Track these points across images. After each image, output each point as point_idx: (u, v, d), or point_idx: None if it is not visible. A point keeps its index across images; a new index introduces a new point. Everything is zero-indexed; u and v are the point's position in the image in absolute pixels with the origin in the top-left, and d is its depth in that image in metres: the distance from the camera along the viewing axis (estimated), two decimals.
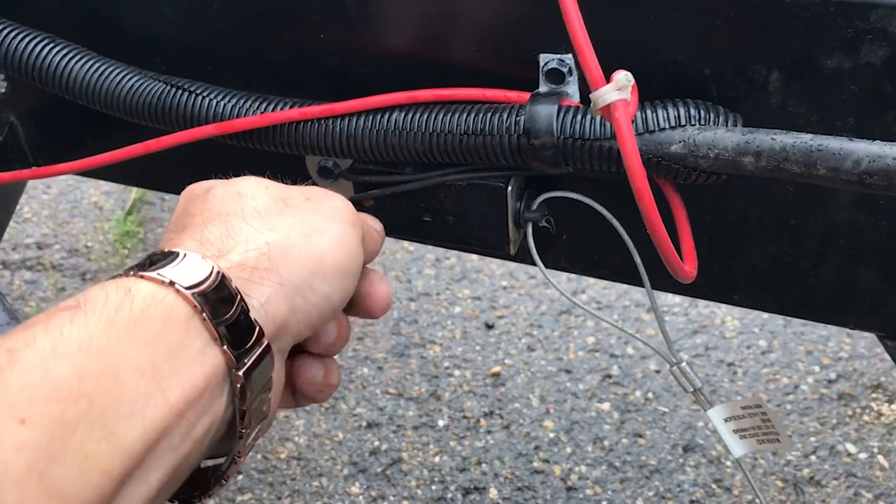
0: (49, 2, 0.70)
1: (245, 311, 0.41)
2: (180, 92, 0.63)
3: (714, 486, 1.31)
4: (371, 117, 0.59)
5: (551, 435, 1.40)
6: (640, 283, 0.61)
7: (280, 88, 0.65)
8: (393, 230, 0.67)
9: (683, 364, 0.60)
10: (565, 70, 0.56)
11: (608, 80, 0.44)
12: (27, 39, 0.66)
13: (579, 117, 0.54)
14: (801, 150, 0.47)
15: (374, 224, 0.55)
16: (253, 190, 0.49)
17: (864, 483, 1.30)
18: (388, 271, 1.71)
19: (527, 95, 0.56)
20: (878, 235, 0.58)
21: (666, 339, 0.60)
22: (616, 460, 1.36)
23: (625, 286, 1.65)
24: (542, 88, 0.57)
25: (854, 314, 0.62)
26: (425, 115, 0.58)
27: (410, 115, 0.58)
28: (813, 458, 1.35)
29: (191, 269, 0.41)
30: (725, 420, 0.60)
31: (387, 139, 0.59)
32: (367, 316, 0.54)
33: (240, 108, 0.62)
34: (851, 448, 1.36)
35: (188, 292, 0.40)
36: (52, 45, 0.66)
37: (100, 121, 0.73)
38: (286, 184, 0.52)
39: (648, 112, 0.52)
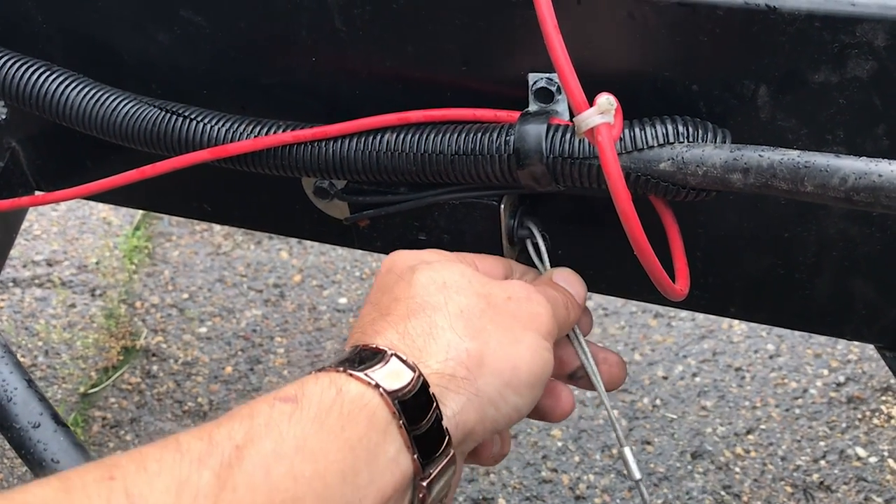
0: (47, 30, 0.71)
1: (438, 419, 0.43)
2: (175, 117, 0.64)
3: (723, 492, 1.31)
4: (363, 139, 0.60)
5: (559, 444, 1.40)
6: (637, 297, 0.61)
7: (274, 111, 0.65)
8: (388, 248, 0.68)
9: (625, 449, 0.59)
10: (553, 89, 0.56)
11: (591, 103, 0.45)
12: (24, 67, 0.67)
13: (568, 136, 0.54)
14: (788, 166, 0.47)
15: (569, 300, 0.56)
16: (457, 282, 0.50)
17: (875, 487, 1.30)
18: None
19: (517, 114, 0.57)
20: (872, 247, 0.58)
21: (613, 424, 0.60)
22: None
23: None
24: (532, 107, 0.58)
25: (850, 325, 0.62)
26: (416, 136, 0.58)
27: (402, 136, 0.59)
28: (822, 462, 1.34)
29: (395, 372, 0.43)
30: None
31: (379, 160, 0.59)
32: (545, 419, 0.56)
33: (233, 133, 0.63)
34: (861, 452, 1.35)
35: (390, 398, 0.41)
36: (48, 72, 0.67)
37: (100, 145, 0.74)
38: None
39: (636, 130, 0.53)
